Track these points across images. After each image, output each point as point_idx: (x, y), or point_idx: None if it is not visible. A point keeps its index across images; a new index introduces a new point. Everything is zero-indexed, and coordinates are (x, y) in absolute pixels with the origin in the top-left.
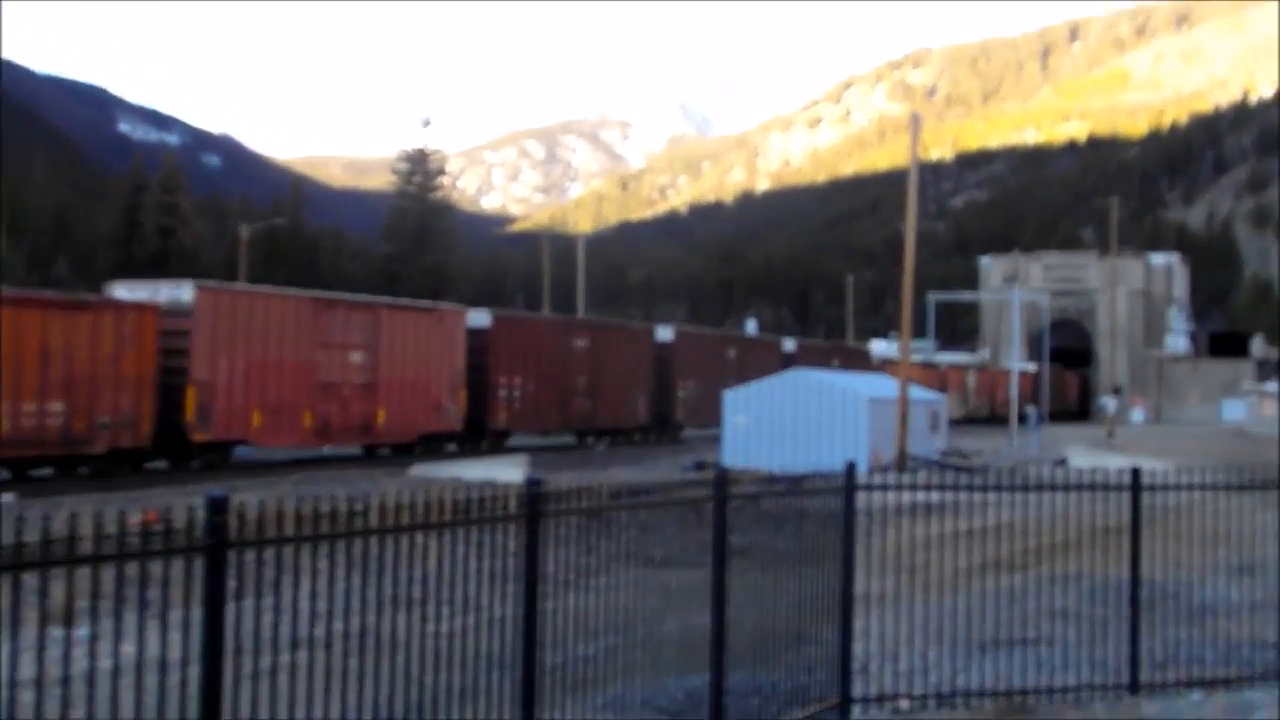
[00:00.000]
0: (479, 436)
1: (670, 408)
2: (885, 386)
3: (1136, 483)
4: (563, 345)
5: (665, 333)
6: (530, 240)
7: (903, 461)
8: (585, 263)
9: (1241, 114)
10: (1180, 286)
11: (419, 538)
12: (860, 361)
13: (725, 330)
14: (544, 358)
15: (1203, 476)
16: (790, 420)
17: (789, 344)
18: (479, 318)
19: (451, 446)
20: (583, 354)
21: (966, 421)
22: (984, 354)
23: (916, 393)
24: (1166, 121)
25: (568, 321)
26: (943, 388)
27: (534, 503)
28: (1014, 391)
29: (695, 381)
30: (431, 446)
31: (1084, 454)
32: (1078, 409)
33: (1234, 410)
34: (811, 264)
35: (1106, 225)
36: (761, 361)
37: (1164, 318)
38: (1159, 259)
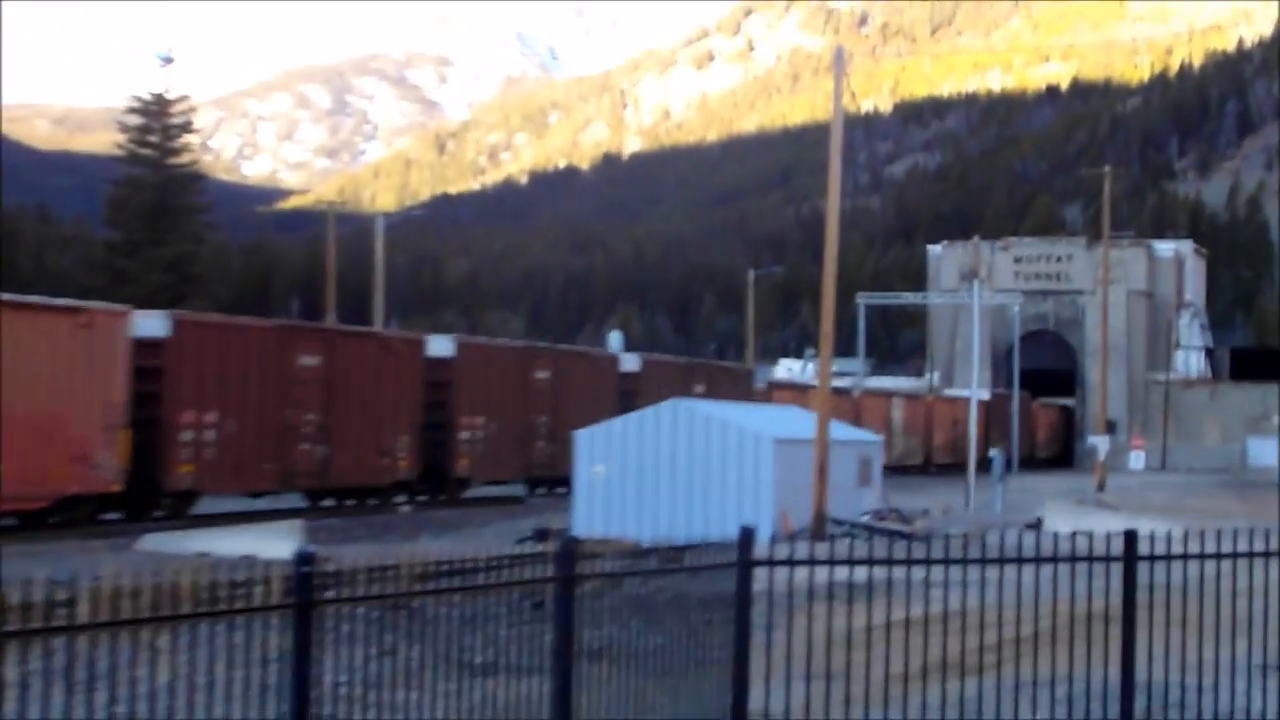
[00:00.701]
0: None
1: (447, 454)
2: (797, 424)
3: (1131, 551)
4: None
5: (442, 345)
6: (311, 222)
7: (821, 526)
8: (387, 253)
9: (1274, 54)
10: (1195, 286)
11: (144, 635)
12: (737, 386)
13: (530, 342)
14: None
15: (1219, 542)
16: (669, 469)
17: (630, 361)
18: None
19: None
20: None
21: (891, 470)
22: (932, 378)
23: (842, 432)
24: (1176, 63)
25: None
26: (855, 422)
27: (305, 587)
28: (973, 429)
29: (487, 417)
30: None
31: (1065, 514)
32: (1059, 451)
33: (1265, 452)
34: (699, 255)
35: (1097, 203)
36: (586, 386)
37: (1173, 328)
38: (1166, 249)
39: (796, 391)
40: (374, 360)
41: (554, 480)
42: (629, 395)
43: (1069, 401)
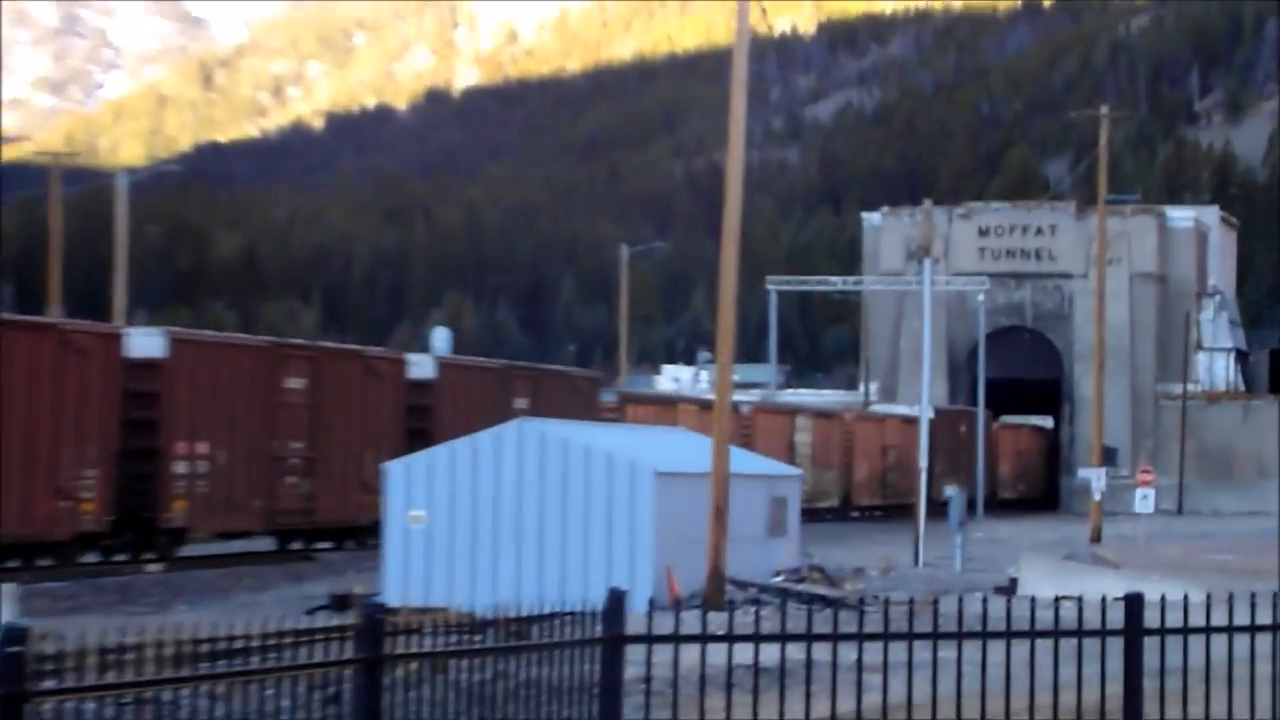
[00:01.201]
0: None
1: (155, 496)
2: (687, 452)
3: (1136, 622)
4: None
5: (149, 344)
6: (29, 179)
7: (718, 589)
8: (133, 220)
9: None
10: (1222, 267)
11: None
12: (576, 400)
13: (279, 340)
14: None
15: (1254, 611)
16: (513, 514)
17: (423, 365)
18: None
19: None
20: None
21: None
22: (868, 389)
23: (749, 463)
24: None
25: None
26: (746, 445)
27: (15, 674)
28: (923, 459)
29: (212, 444)
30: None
31: (1047, 572)
32: (1039, 489)
33: None
34: (556, 226)
35: (1090, 155)
36: (358, 399)
37: (1193, 324)
38: (1184, 218)
39: (661, 408)
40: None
41: (310, 532)
42: (420, 411)
43: (1050, 422)
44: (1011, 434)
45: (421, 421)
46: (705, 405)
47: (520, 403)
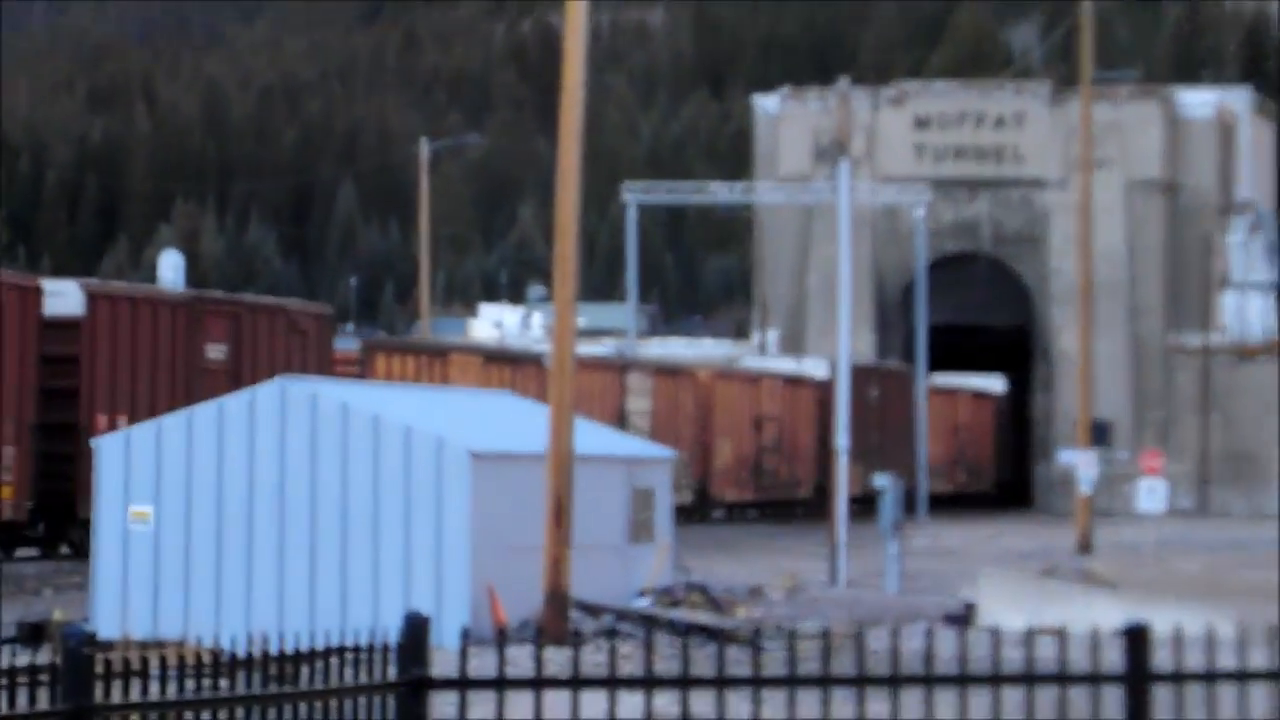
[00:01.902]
0: None
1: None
2: (515, 426)
3: (1140, 664)
4: None
5: (65, 299)
6: None
7: (561, 616)
8: None
9: None
10: (1256, 170)
11: None
12: (296, 344)
13: None
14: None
15: None
16: (274, 510)
17: (66, 297)
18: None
19: None
20: None
21: None
22: (764, 338)
23: (603, 441)
24: None
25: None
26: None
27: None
28: (842, 435)
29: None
30: None
31: (1016, 595)
32: (1006, 478)
33: None
34: (332, 112)
35: (1069, 16)
36: None
37: (1216, 249)
38: (1201, 102)
39: (426, 359)
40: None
41: None
42: (62, 364)
43: (1006, 385)
44: (944, 401)
45: (63, 378)
46: (494, 357)
47: (214, 350)
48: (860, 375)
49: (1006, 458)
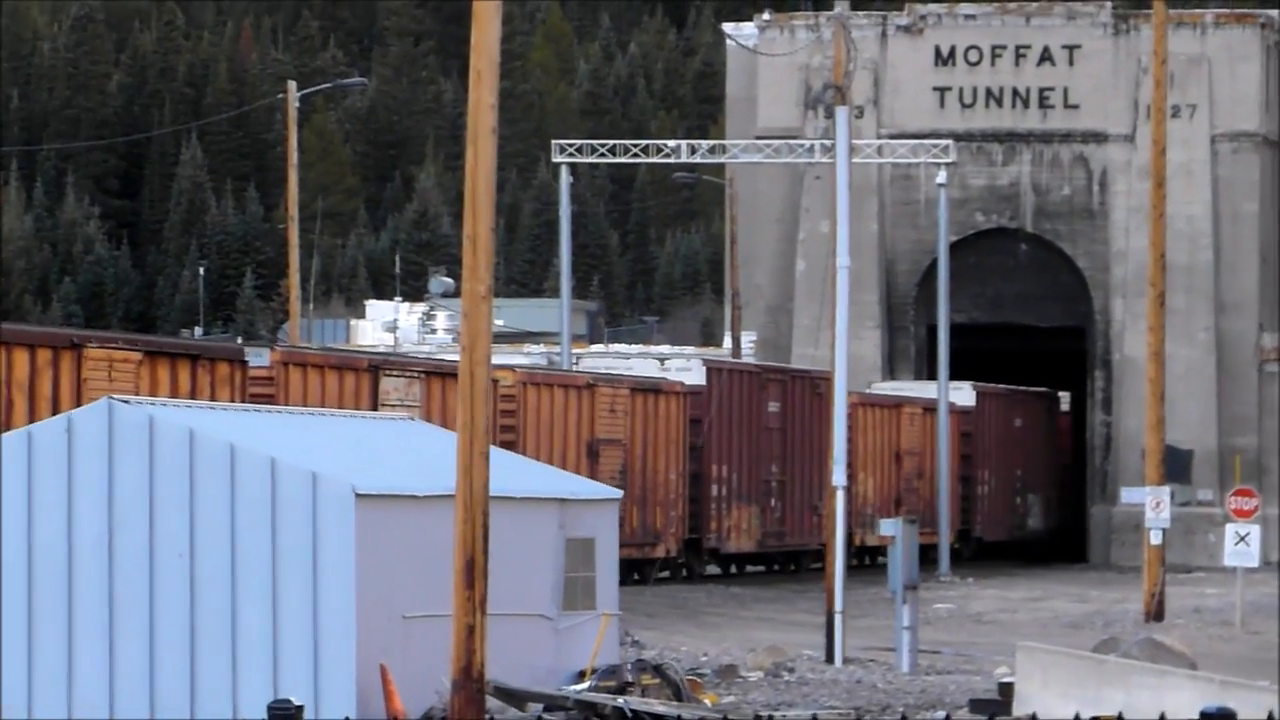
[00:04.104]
0: None
1: None
2: (413, 458)
3: None
4: None
5: None
6: None
7: (473, 702)
8: None
9: None
10: None
11: None
12: None
13: None
14: None
15: None
16: (100, 562)
17: None
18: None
19: None
20: None
21: None
22: (737, 339)
23: (523, 475)
24: None
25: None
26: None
27: None
28: (839, 472)
29: None
30: None
31: (1063, 673)
32: (1051, 523)
33: None
34: (164, 45)
35: None
36: None
37: None
38: None
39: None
40: None
41: None
42: None
43: (1064, 401)
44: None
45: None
46: (346, 366)
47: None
48: (801, 383)
49: (1076, 487)
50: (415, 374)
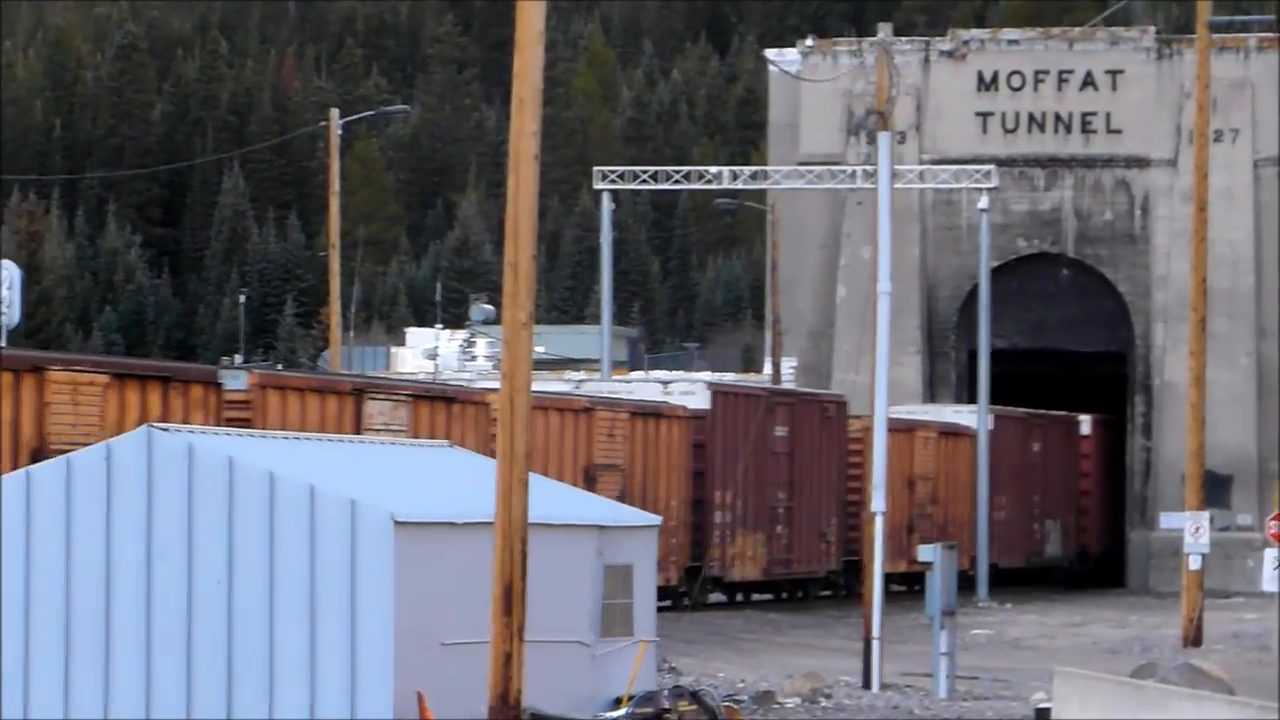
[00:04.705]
0: None
1: None
2: (451, 486)
3: None
4: None
5: None
6: None
7: None
8: None
9: None
10: None
11: None
12: None
13: None
14: None
15: None
16: (137, 588)
17: None
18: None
19: None
20: None
21: None
22: (778, 366)
23: (562, 502)
24: None
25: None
26: None
27: None
28: (878, 498)
29: None
30: None
31: (1102, 699)
32: (1094, 546)
33: None
34: (197, 74)
35: None
36: None
37: None
38: None
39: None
40: None
41: None
42: None
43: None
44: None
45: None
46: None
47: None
48: (800, 406)
49: (1115, 514)
50: (402, 397)
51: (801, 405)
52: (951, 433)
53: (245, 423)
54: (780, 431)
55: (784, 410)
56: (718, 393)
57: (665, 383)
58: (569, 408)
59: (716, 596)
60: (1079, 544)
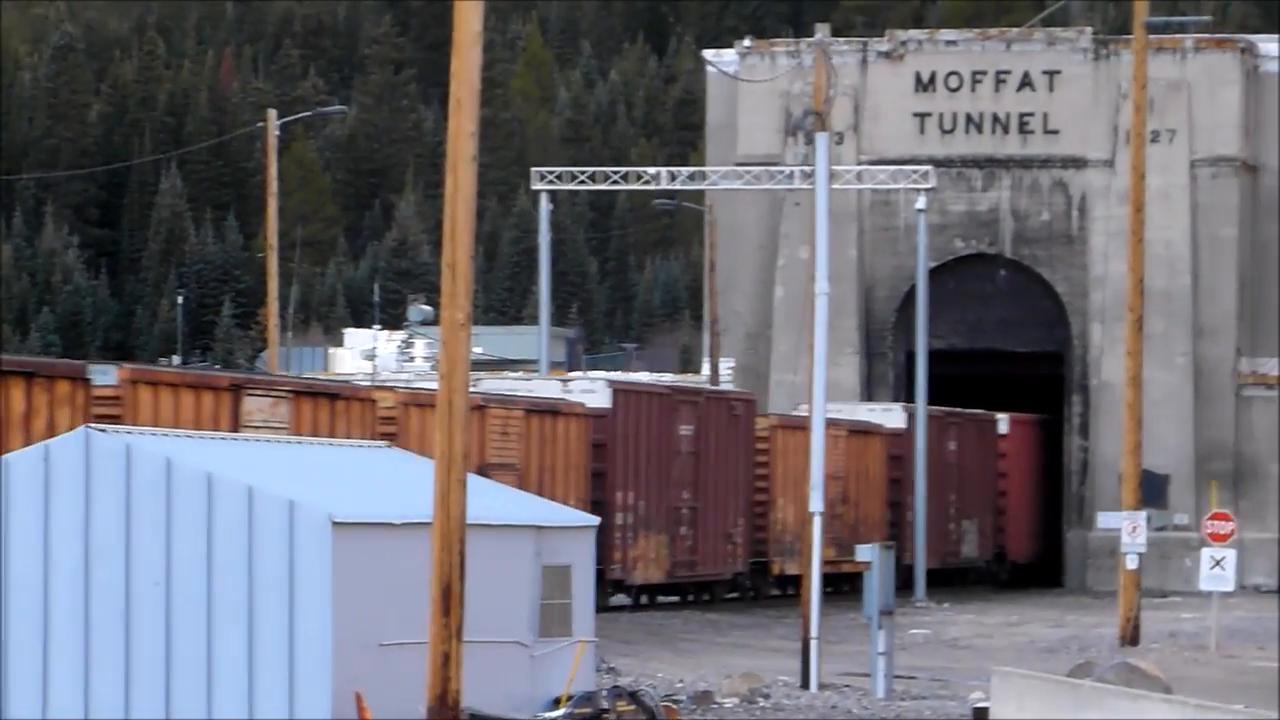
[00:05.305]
0: None
1: None
2: (389, 486)
3: None
4: None
5: None
6: None
7: None
8: None
9: None
10: None
11: None
12: None
13: None
14: None
15: None
16: (73, 590)
17: None
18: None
19: None
20: None
21: None
22: (715, 368)
23: (500, 503)
24: None
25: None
26: None
27: None
28: (817, 498)
29: None
30: None
31: (1039, 698)
32: (1029, 548)
33: None
34: (145, 73)
35: None
36: None
37: None
38: None
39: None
40: None
41: None
42: None
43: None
44: (806, 439)
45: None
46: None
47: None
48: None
49: (1043, 520)
50: (282, 394)
51: (707, 404)
52: (862, 431)
53: (114, 420)
54: (685, 430)
55: (689, 409)
56: (619, 391)
57: (565, 380)
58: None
59: (619, 599)
60: (997, 545)
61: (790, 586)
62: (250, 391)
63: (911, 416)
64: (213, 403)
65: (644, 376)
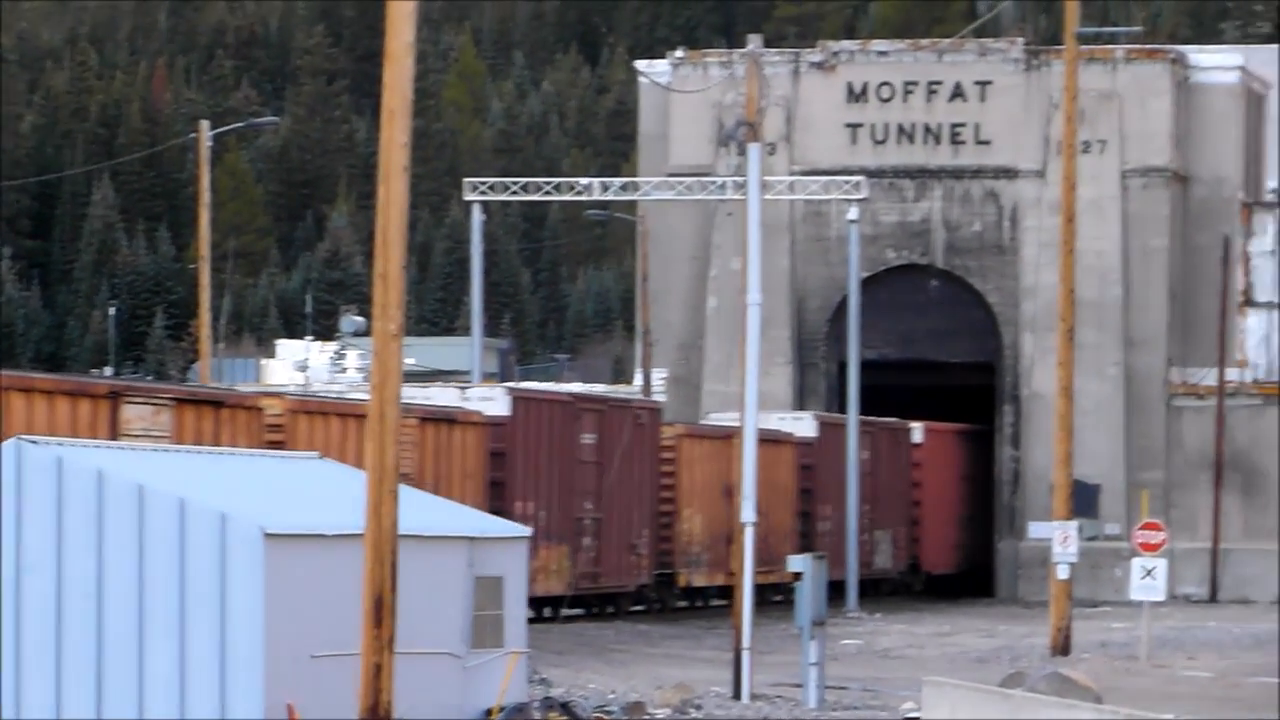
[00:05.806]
0: None
1: None
2: (321, 497)
3: None
4: None
5: None
6: None
7: None
8: None
9: None
10: None
11: None
12: None
13: None
14: None
15: None
16: (3, 611)
17: None
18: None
19: None
20: None
21: None
22: (647, 379)
23: (433, 514)
24: None
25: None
26: None
27: None
28: (748, 508)
29: None
30: None
31: (970, 708)
32: (957, 559)
33: None
34: (77, 83)
35: None
36: None
37: (1236, 259)
38: (1221, 66)
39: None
40: None
41: None
42: None
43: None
44: (715, 449)
45: None
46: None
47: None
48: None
49: (973, 531)
50: (164, 401)
51: (611, 412)
52: (772, 440)
53: None
54: (588, 439)
55: (592, 417)
56: (519, 398)
57: (463, 388)
58: (350, 413)
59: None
60: (911, 555)
61: (697, 599)
62: (130, 399)
63: (823, 425)
64: (90, 410)
65: (576, 387)
